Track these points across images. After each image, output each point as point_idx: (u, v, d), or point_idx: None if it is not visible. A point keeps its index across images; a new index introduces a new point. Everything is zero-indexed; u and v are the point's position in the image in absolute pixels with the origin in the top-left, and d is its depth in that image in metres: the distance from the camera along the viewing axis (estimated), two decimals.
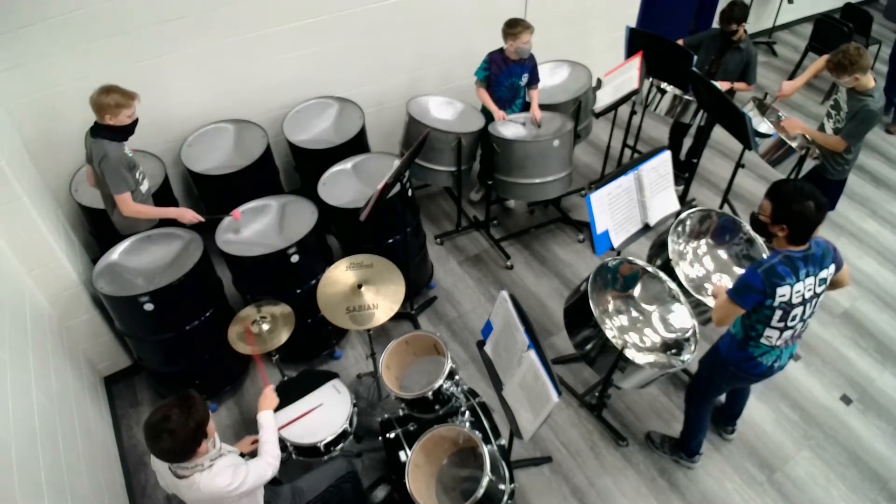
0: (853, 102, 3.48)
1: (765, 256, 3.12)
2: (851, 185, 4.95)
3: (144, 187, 3.19)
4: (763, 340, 2.50)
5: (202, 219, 3.19)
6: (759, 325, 2.45)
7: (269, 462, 2.20)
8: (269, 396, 2.47)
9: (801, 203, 2.25)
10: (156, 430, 1.88)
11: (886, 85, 5.66)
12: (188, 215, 3.16)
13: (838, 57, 3.34)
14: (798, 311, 2.40)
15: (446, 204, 4.81)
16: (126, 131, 2.96)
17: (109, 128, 2.90)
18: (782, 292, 2.31)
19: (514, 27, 3.74)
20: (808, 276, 2.34)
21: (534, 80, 4.04)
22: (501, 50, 3.90)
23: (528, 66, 3.96)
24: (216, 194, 3.80)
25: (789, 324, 2.43)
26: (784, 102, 5.68)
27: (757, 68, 4.24)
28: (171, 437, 1.88)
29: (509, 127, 4.05)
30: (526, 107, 4.13)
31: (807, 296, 2.37)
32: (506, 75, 3.94)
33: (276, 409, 2.80)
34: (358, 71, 4.29)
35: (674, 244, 3.12)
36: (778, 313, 2.38)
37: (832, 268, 2.41)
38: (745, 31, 4.13)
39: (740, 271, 3.23)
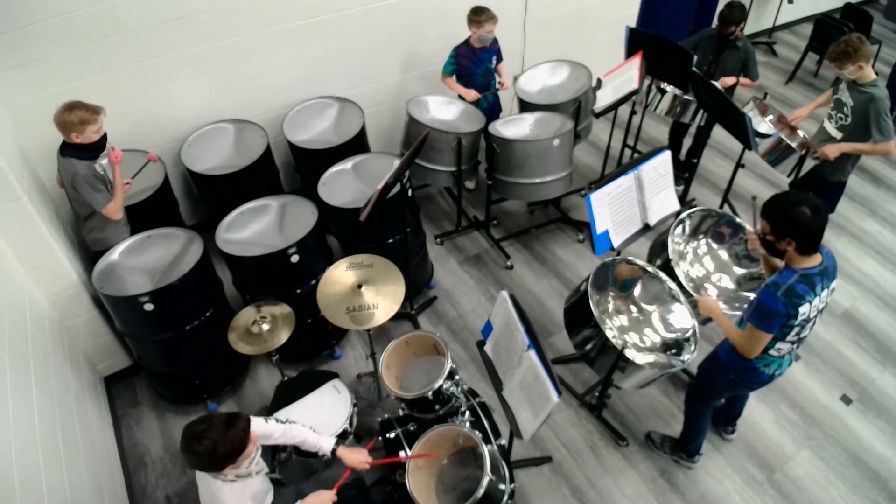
0: (857, 95, 3.46)
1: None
2: (851, 185, 4.94)
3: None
4: (772, 352, 2.47)
5: (130, 181, 3.15)
6: (771, 339, 2.42)
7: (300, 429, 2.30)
8: (357, 464, 2.38)
9: (795, 211, 2.20)
10: (187, 443, 1.91)
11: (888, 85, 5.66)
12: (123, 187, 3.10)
13: (841, 46, 3.32)
14: (811, 322, 2.39)
15: (446, 204, 4.81)
16: (95, 148, 2.90)
17: (77, 146, 2.84)
18: (804, 310, 2.28)
19: (479, 15, 3.86)
20: (822, 289, 2.31)
21: (501, 57, 4.22)
22: (466, 41, 4.02)
23: (494, 49, 4.12)
24: (216, 194, 3.80)
25: (801, 336, 2.42)
26: (785, 104, 5.68)
27: (757, 64, 4.24)
28: (195, 457, 1.91)
29: (509, 126, 4.05)
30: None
31: (820, 307, 2.36)
32: (476, 64, 4.07)
33: (278, 408, 2.81)
34: (358, 71, 4.29)
35: (674, 244, 3.11)
36: (796, 329, 2.36)
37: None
38: (742, 30, 4.13)
39: (740, 271, 3.23)
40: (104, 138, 2.92)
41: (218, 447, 1.89)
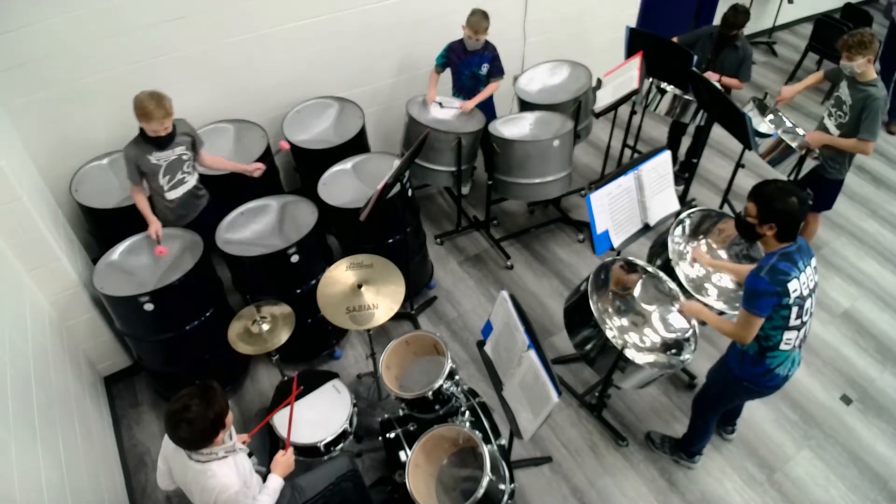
0: (856, 93, 3.46)
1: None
2: (851, 186, 4.96)
3: (172, 195, 3.14)
4: (783, 346, 2.46)
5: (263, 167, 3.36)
6: (775, 331, 2.42)
7: None
8: (288, 463, 2.35)
9: (784, 200, 2.28)
10: (175, 419, 1.94)
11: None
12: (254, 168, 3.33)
13: (857, 37, 3.33)
14: (808, 303, 2.41)
15: (446, 204, 4.81)
16: (148, 140, 2.93)
17: (141, 130, 2.92)
18: (794, 287, 2.32)
19: (471, 16, 3.79)
20: (805, 266, 2.37)
21: (495, 71, 4.04)
22: (461, 40, 3.97)
23: (488, 56, 4.00)
24: (217, 194, 3.79)
25: (804, 319, 2.43)
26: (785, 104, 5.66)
27: (752, 67, 4.24)
28: (189, 427, 1.94)
29: (509, 126, 4.05)
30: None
31: (811, 286, 2.39)
32: (465, 65, 4.02)
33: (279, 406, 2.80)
34: (358, 71, 4.29)
35: (674, 244, 3.12)
36: (794, 310, 2.37)
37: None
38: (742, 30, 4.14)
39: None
40: (164, 138, 2.95)
41: (206, 412, 1.94)
